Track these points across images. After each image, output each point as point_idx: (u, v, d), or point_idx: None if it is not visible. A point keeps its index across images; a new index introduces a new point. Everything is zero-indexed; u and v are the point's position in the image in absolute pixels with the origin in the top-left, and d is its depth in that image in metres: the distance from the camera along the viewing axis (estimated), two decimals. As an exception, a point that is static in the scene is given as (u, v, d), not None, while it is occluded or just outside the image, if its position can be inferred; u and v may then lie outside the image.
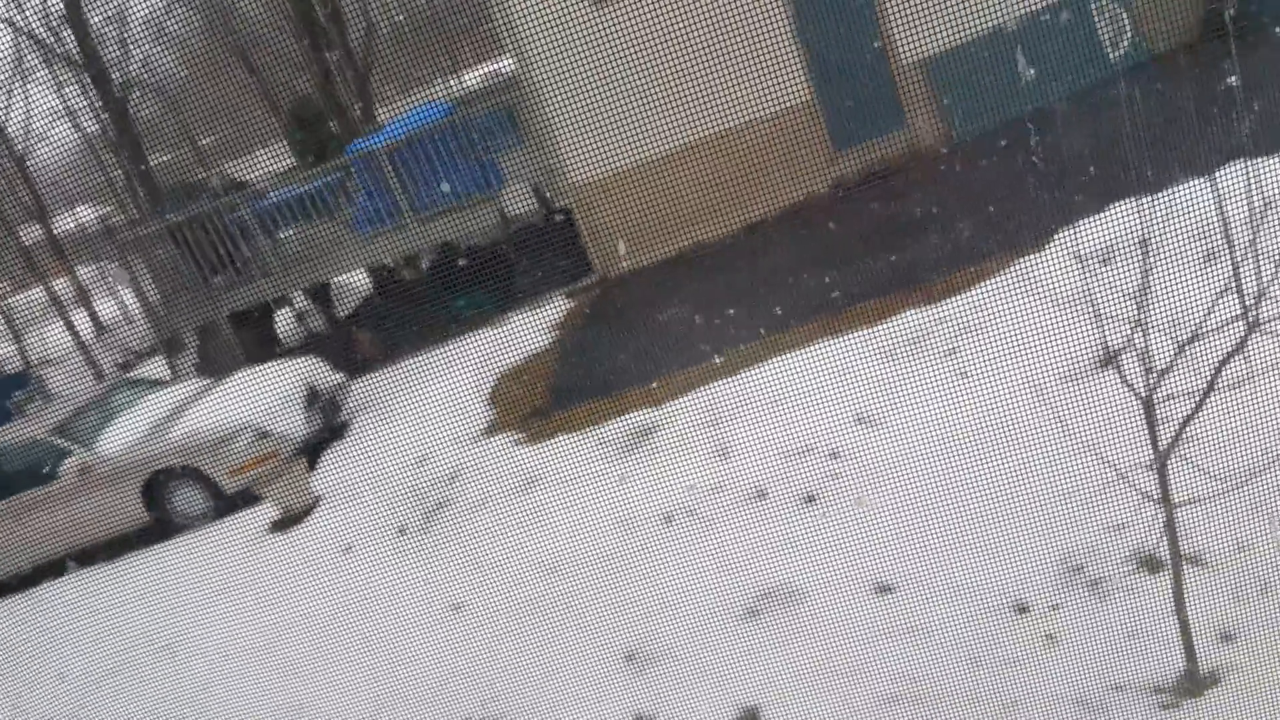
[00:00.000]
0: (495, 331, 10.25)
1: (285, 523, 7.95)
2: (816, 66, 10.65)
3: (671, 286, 10.06)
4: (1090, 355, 5.40)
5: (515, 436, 7.92)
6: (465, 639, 5.41)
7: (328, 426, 9.38)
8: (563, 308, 10.74)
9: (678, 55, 10.16)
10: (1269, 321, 3.38)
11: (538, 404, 8.43)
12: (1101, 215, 6.62)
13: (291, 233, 12.02)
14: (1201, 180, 6.18)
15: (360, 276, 14.42)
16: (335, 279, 13.67)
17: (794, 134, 10.54)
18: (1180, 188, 6.17)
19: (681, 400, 7.18)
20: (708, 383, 7.25)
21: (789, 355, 7.09)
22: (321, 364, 9.95)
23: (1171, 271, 5.09)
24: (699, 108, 10.31)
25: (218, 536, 8.43)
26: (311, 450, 8.91)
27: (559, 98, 10.19)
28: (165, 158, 19.08)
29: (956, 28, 10.12)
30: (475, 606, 5.72)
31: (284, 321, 13.94)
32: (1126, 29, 10.28)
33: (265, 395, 8.88)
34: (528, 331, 10.13)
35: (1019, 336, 5.92)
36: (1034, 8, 10.06)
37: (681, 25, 9.98)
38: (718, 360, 7.56)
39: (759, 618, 4.64)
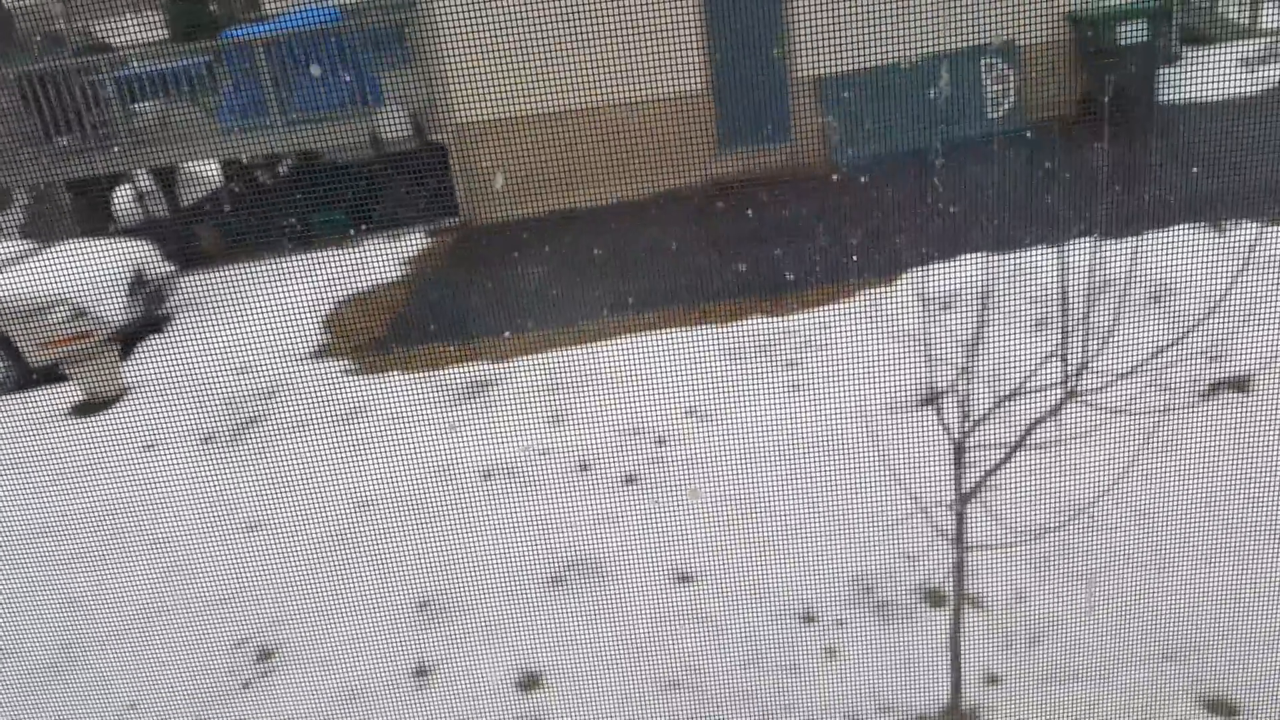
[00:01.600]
0: (344, 253, 9.91)
1: (88, 408, 7.48)
2: (717, 61, 10.71)
3: (535, 246, 9.95)
4: (916, 391, 5.64)
5: (346, 365, 7.68)
6: (255, 561, 5.23)
7: (149, 317, 8.86)
8: (420, 244, 10.48)
9: (584, 13, 10.02)
10: (1085, 393, 3.59)
11: (376, 336, 8.20)
12: (951, 263, 6.92)
13: (149, 108, 11.25)
14: (1049, 249, 6.55)
15: (212, 168, 13.65)
16: (185, 165, 12.90)
17: (683, 122, 10.57)
18: (1028, 252, 6.53)
19: (523, 360, 7.12)
20: (552, 348, 7.22)
21: (636, 336, 7.13)
22: (153, 251, 9.37)
23: (1004, 328, 5.38)
24: (594, 72, 10.20)
25: (15, 408, 7.87)
26: (127, 338, 8.40)
27: (455, 27, 9.89)
28: (28, 1, 17.50)
29: (854, 53, 10.37)
30: (272, 530, 5.52)
31: (123, 199, 13.07)
32: (1010, 92, 10.77)
33: (88, 272, 8.31)
34: (378, 260, 9.83)
35: (855, 361, 6.15)
36: (930, 52, 10.40)
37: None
38: (567, 327, 7.53)
39: (560, 586, 4.66)
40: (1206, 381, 5.46)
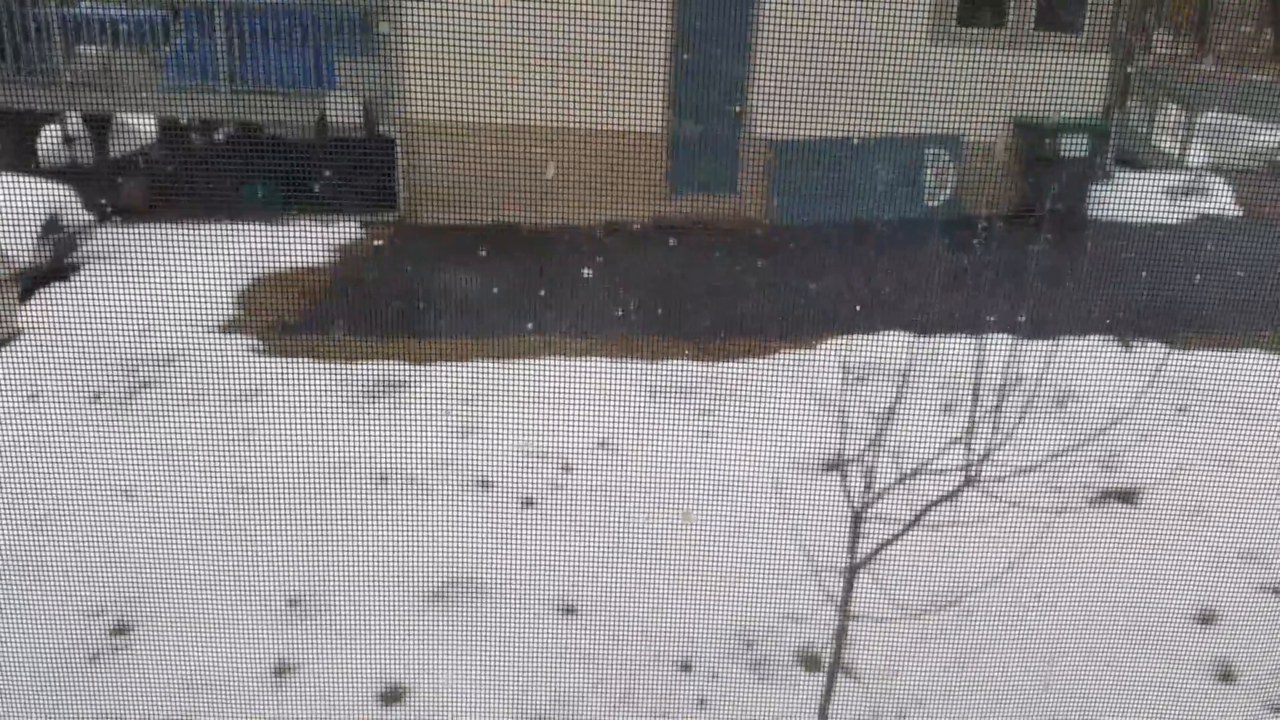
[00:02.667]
0: (270, 230, 9.65)
1: (-27, 345, 7.13)
2: (678, 104, 10.81)
3: (471, 254, 9.85)
4: (824, 455, 5.70)
5: (254, 342, 7.47)
6: (125, 528, 5.01)
7: (56, 263, 8.50)
8: (351, 233, 10.29)
9: (556, 35, 10.06)
10: (984, 482, 3.67)
11: (289, 318, 8.00)
12: (872, 335, 7.06)
13: (93, 51, 10.88)
14: (967, 338, 6.71)
15: (148, 122, 13.24)
16: (121, 116, 12.49)
17: (637, 158, 10.64)
18: (947, 338, 6.68)
19: (440, 366, 7.01)
20: (471, 358, 7.12)
21: (558, 360, 7.08)
22: (72, 196, 9.02)
23: (915, 407, 5.48)
24: (558, 94, 10.22)
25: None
26: (30, 281, 8.05)
27: (425, 23, 9.82)
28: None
29: (805, 122, 10.60)
30: (146, 499, 5.31)
31: (49, 139, 12.58)
32: (949, 183, 11.09)
33: (1, 206, 7.96)
34: (305, 243, 9.61)
35: (768, 417, 6.20)
36: (878, 134, 10.67)
37: (571, 7, 9.90)
38: (489, 340, 7.46)
39: (440, 602, 4.57)
40: (1097, 489, 5.64)
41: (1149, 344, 7.07)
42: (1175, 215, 10.92)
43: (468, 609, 4.53)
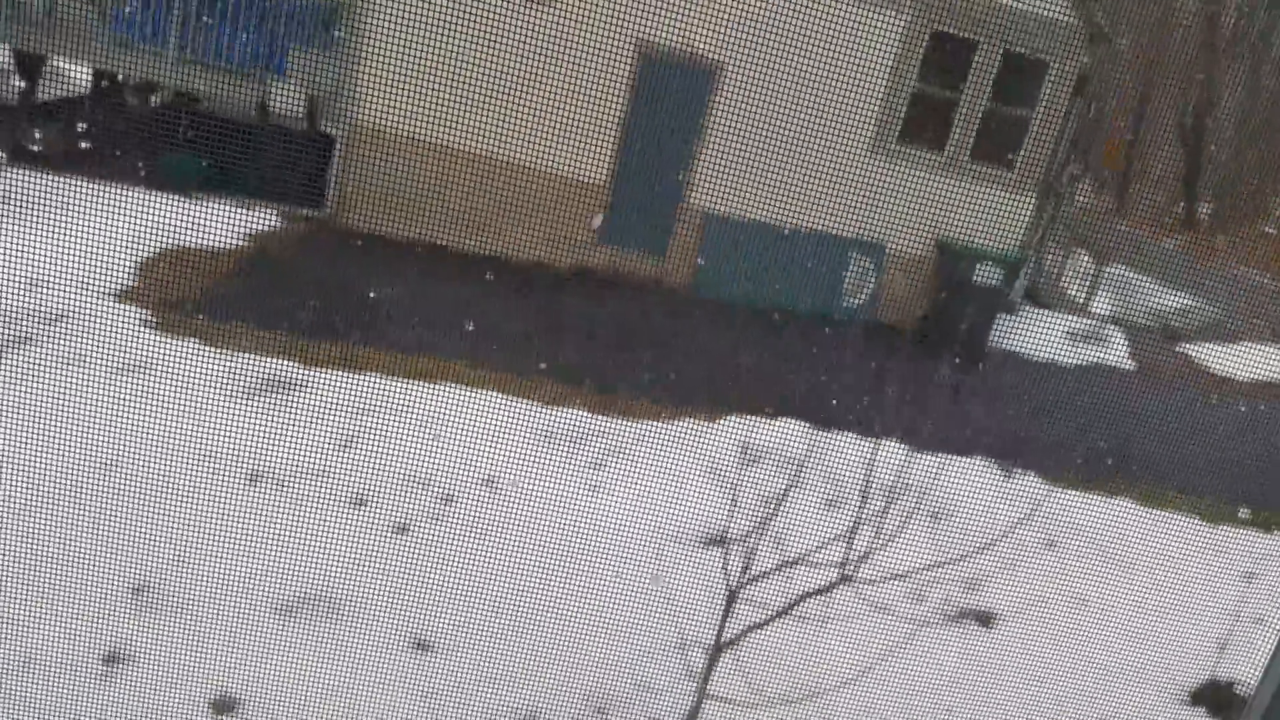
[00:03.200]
0: (184, 204, 9.37)
1: None
2: (624, 160, 10.92)
3: (388, 266, 9.71)
4: (707, 530, 5.71)
5: (146, 316, 7.19)
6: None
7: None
8: (269, 223, 10.05)
9: (518, 68, 10.12)
10: (859, 582, 3.71)
11: (188, 298, 7.74)
12: (774, 423, 7.15)
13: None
14: (863, 440, 6.85)
15: (82, 71, 12.79)
16: (55, 60, 12.04)
17: (575, 204, 10.70)
18: (843, 435, 6.82)
19: (332, 374, 6.85)
20: (367, 370, 6.97)
21: (456, 387, 6.99)
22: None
23: (805, 499, 5.55)
24: (508, 126, 10.24)
25: None
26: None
27: (390, 32, 9.76)
28: None
29: (742, 203, 10.85)
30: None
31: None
32: (868, 288, 11.40)
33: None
34: (220, 223, 9.35)
35: (660, 481, 6.20)
36: (809, 228, 10.95)
37: (532, 49, 9.99)
38: (390, 355, 7.32)
39: (290, 616, 4.39)
40: (958, 607, 5.76)
41: (1028, 475, 7.31)
42: (1071, 358, 11.40)
43: (318, 629, 4.37)
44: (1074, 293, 13.94)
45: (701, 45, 10.46)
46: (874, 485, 4.36)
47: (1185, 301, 14.87)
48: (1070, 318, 12.97)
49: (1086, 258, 14.43)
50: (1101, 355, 11.71)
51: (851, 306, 11.32)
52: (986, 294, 10.94)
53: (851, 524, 4.12)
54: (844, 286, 11.40)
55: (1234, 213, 27.41)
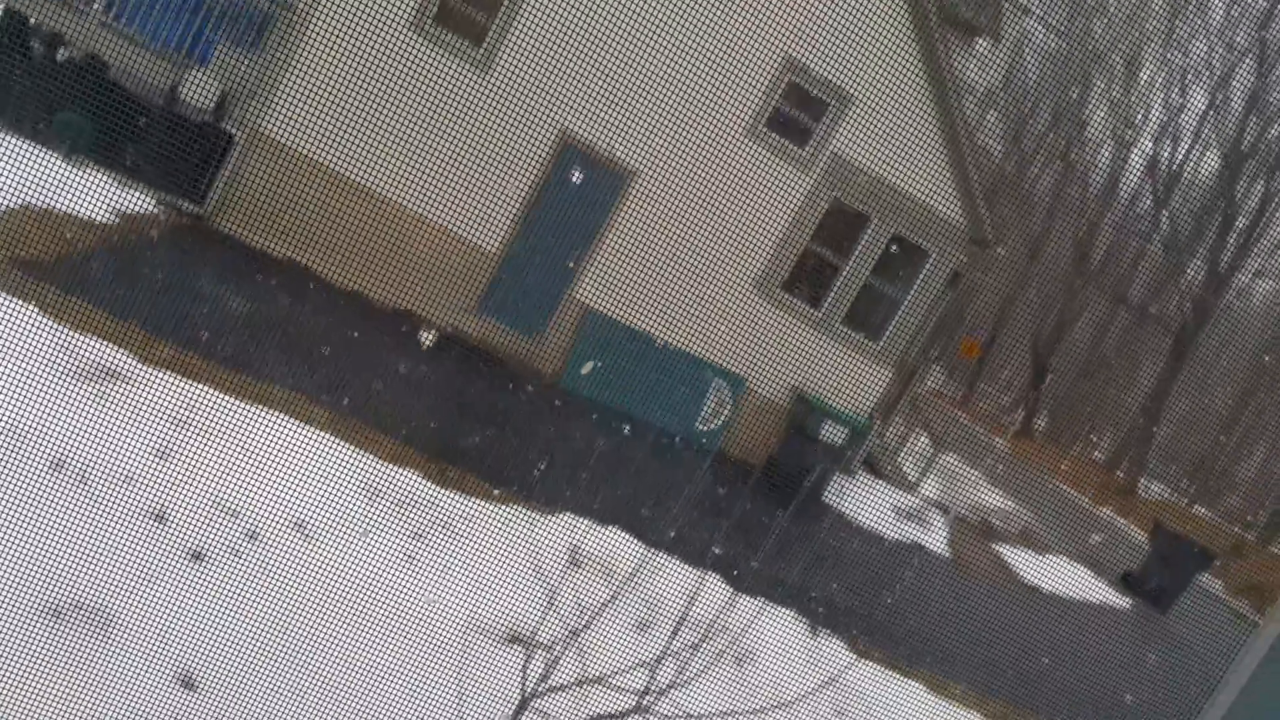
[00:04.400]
0: (62, 166, 8.90)
1: None
2: (521, 236, 10.92)
3: (253, 279, 9.38)
4: (514, 626, 5.59)
5: (-16, 267, 6.72)
6: None
7: None
8: (146, 206, 9.62)
9: (435, 121, 10.12)
10: (653, 715, 3.69)
11: (27, 256, 7.27)
12: (605, 531, 7.13)
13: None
14: (688, 568, 6.89)
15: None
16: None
17: (461, 265, 10.62)
18: (671, 559, 6.84)
19: (169, 377, 6.50)
20: (204, 382, 6.65)
21: (290, 421, 6.72)
22: None
23: (619, 616, 5.51)
24: (411, 172, 10.17)
25: None
26: None
27: (320, 54, 9.65)
28: None
29: (624, 306, 11.02)
30: None
31: None
32: (722, 417, 11.63)
33: None
34: (94, 196, 8.90)
35: (478, 566, 6.07)
36: (681, 346, 11.17)
37: (457, 106, 10.04)
38: (227, 370, 7.01)
39: (56, 620, 4.05)
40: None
41: (835, 639, 7.47)
42: (894, 532, 11.83)
43: (84, 641, 4.04)
44: (908, 470, 14.56)
45: (621, 151, 10.70)
46: (689, 618, 4.38)
47: (1008, 504, 15.71)
48: (900, 493, 13.51)
49: (926, 440, 15.14)
50: (922, 536, 12.19)
51: (703, 432, 11.51)
52: (829, 451, 11.30)
53: (659, 653, 4.10)
54: (701, 411, 11.60)
55: (1067, 433, 29.38)
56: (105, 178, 9.39)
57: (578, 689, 3.91)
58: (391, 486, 6.64)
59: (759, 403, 11.63)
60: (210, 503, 5.37)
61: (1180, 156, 26.15)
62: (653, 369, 11.20)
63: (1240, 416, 27.48)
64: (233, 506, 5.43)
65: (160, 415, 5.99)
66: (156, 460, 5.54)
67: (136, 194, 9.61)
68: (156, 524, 5.02)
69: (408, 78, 9.99)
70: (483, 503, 7.11)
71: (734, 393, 11.60)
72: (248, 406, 6.65)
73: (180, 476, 5.47)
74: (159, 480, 5.33)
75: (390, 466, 6.91)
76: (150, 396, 6.17)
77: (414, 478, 6.97)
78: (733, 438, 11.64)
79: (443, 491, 6.99)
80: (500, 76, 10.29)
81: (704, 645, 4.29)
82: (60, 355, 6.07)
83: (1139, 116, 26.75)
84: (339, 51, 9.44)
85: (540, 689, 3.84)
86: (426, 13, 10.04)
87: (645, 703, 3.72)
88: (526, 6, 10.15)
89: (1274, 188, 24.89)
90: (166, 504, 5.17)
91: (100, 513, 4.85)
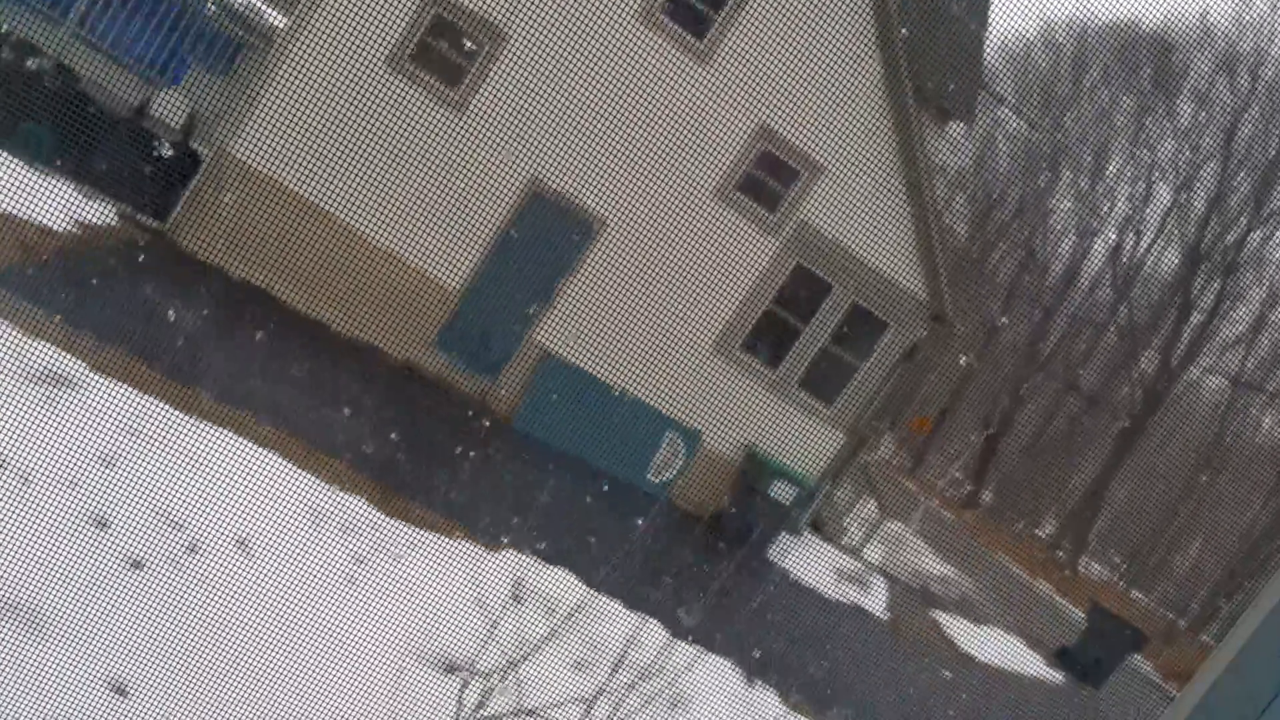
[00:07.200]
0: (25, 172, 8.84)
1: None
2: (484, 275, 10.97)
3: (211, 296, 9.34)
4: (452, 656, 5.56)
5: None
6: None
7: None
8: (108, 219, 9.56)
9: (406, 154, 10.21)
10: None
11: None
12: (549, 570, 7.13)
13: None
14: (629, 611, 6.91)
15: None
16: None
17: (422, 300, 10.65)
18: (612, 602, 6.85)
19: (118, 387, 6.44)
20: (153, 394, 6.59)
21: (238, 438, 6.67)
22: None
23: (557, 653, 5.50)
24: (378, 204, 10.23)
25: None
26: None
27: (293, 79, 9.73)
28: None
29: (583, 353, 11.09)
30: None
31: None
32: (674, 468, 11.67)
33: None
34: (55, 204, 8.84)
35: (418, 594, 6.04)
36: (637, 396, 11.23)
37: (429, 142, 10.15)
38: (178, 386, 6.96)
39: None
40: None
41: (769, 691, 7.48)
42: (834, 593, 11.89)
43: (14, 640, 3.96)
44: (853, 534, 14.67)
45: (591, 200, 10.84)
46: (627, 661, 4.40)
47: (948, 572, 15.85)
48: (843, 556, 13.60)
49: (873, 506, 15.28)
50: (861, 599, 12.26)
51: (654, 482, 11.54)
52: (778, 509, 11.38)
53: (595, 691, 4.12)
54: (653, 461, 11.64)
55: (1012, 509, 29.77)
56: (68, 187, 9.34)
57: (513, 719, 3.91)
58: (338, 510, 6.60)
59: (711, 457, 11.71)
60: (153, 513, 5.31)
61: (1142, 250, 27.00)
62: (608, 416, 11.24)
63: (1181, 507, 28.01)
64: (176, 518, 5.37)
65: (108, 423, 5.92)
66: (102, 467, 5.47)
67: (98, 205, 9.57)
68: (98, 530, 4.95)
69: (381, 112, 10.09)
70: (428, 534, 7.08)
71: (688, 446, 11.67)
72: (197, 422, 6.59)
73: (124, 485, 5.41)
74: (103, 487, 5.27)
75: (337, 491, 6.87)
76: (99, 404, 6.11)
77: (360, 504, 6.93)
78: (684, 489, 11.69)
79: (388, 520, 6.96)
80: (474, 118, 10.43)
81: (640, 686, 4.31)
82: (9, 358, 6.00)
83: (1105, 208, 27.64)
84: (313, 80, 9.53)
85: (476, 717, 3.83)
86: (404, 51, 10.19)
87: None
88: (506, 53, 10.34)
89: (1229, 288, 25.71)
90: (109, 511, 5.11)
91: (41, 515, 4.78)
